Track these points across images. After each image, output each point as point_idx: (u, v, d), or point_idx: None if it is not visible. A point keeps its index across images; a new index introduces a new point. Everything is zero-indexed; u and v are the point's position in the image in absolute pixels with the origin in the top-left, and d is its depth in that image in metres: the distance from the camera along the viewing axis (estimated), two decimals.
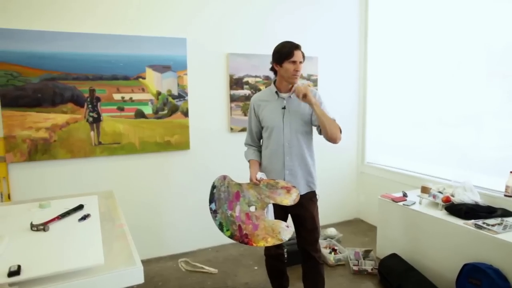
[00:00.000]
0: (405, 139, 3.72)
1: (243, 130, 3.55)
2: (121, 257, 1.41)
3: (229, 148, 3.52)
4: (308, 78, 3.82)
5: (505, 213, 2.66)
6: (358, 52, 4.11)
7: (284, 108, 2.27)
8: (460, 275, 2.39)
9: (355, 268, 3.00)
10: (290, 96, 2.28)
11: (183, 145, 3.31)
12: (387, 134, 3.96)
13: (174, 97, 3.24)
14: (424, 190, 2.99)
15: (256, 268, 3.12)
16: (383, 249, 3.12)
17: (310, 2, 3.75)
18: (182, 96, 3.27)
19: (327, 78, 3.94)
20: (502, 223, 2.47)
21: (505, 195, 2.77)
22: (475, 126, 3.08)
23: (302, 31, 3.73)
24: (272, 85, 2.36)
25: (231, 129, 3.51)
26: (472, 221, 2.53)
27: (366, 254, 3.14)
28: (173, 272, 3.05)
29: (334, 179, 4.11)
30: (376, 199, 3.22)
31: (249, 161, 2.51)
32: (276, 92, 2.30)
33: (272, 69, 2.33)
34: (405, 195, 3.11)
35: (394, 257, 2.87)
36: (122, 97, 3.09)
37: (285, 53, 2.18)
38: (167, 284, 2.86)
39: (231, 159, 3.53)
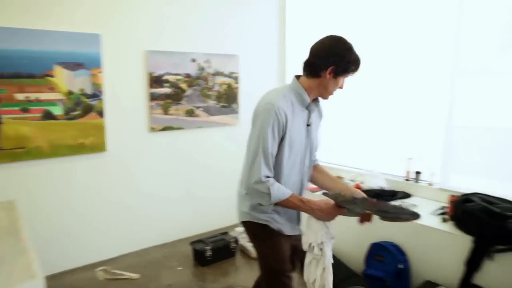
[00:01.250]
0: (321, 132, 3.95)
1: (164, 129, 3.48)
2: (19, 273, 1.30)
3: (150, 148, 3.43)
4: (230, 75, 3.88)
5: (405, 195, 2.97)
6: (277, 50, 4.27)
7: (309, 125, 1.74)
8: (368, 254, 2.61)
9: None
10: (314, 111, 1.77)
11: (99, 147, 3.15)
12: None
13: (87, 96, 3.06)
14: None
15: (180, 268, 3.08)
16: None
17: (230, 1, 3.80)
18: (96, 95, 3.11)
19: (248, 76, 4.03)
20: (401, 204, 2.74)
21: (405, 180, 3.10)
22: (379, 120, 3.39)
23: (223, 29, 3.77)
24: (302, 89, 1.68)
25: (152, 128, 3.42)
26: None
27: (302, 255, 3.26)
28: (90, 282, 2.87)
29: None
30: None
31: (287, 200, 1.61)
32: (308, 103, 1.70)
33: (314, 67, 1.64)
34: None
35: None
36: (27, 97, 2.84)
37: (354, 67, 1.64)
38: None
39: (152, 160, 3.46)
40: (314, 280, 1.70)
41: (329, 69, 1.60)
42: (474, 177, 2.74)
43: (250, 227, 1.76)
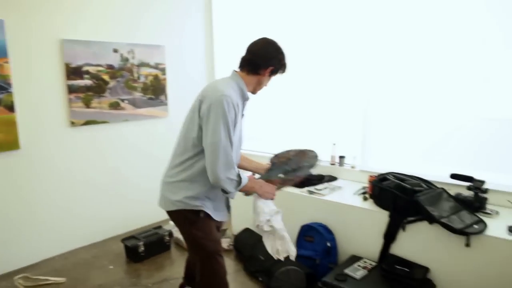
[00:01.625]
0: (253, 121, 4.03)
1: (86, 123, 3.27)
2: None
3: (71, 144, 3.20)
4: (156, 66, 3.75)
5: (331, 179, 3.17)
6: (204, 40, 4.22)
7: (243, 115, 1.91)
8: (299, 235, 2.76)
9: None
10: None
11: (11, 145, 2.84)
12: None
13: None
14: None
15: (111, 267, 2.95)
16: (237, 226, 3.34)
17: None
18: (4, 88, 2.80)
19: (176, 67, 3.94)
20: (328, 187, 2.94)
21: (330, 164, 3.31)
22: (304, 108, 3.56)
23: (147, 19, 3.62)
24: (244, 84, 1.83)
25: (72, 123, 3.19)
26: (306, 188, 2.93)
27: (223, 233, 3.31)
28: None
29: None
30: None
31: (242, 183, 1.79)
32: (247, 97, 1.87)
33: (255, 64, 1.82)
34: (254, 173, 3.38)
35: (246, 231, 3.10)
36: None
37: (283, 65, 1.88)
38: None
39: (74, 156, 3.23)
40: (277, 250, 1.95)
41: (269, 69, 1.84)
42: (390, 159, 3.02)
43: (184, 214, 1.81)
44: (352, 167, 3.20)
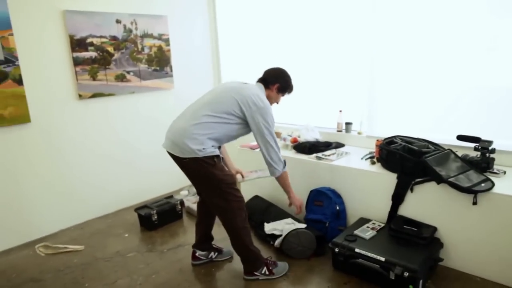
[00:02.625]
0: None
1: (93, 96, 3.28)
2: None
3: (79, 116, 3.23)
4: (160, 37, 3.72)
5: (338, 145, 3.21)
6: (207, 9, 4.15)
7: None
8: (308, 200, 2.82)
9: None
10: None
11: (22, 118, 2.88)
12: None
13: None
14: (276, 135, 3.33)
15: (127, 235, 3.05)
16: (246, 194, 3.40)
17: None
18: (11, 61, 2.80)
19: (179, 38, 3.90)
20: (335, 153, 2.98)
21: (337, 131, 3.33)
22: (311, 77, 3.55)
23: None
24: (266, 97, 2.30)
25: (80, 96, 3.20)
26: (314, 154, 2.97)
27: None
28: (30, 260, 2.73)
29: None
30: (236, 150, 3.45)
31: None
32: None
33: (266, 81, 2.36)
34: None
35: (256, 198, 3.17)
36: None
37: (291, 87, 2.44)
38: (24, 273, 2.55)
39: (83, 128, 3.27)
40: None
41: (275, 85, 2.36)
42: (396, 124, 3.04)
43: (203, 160, 2.11)
44: (359, 133, 3.23)
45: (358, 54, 3.15)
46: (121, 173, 3.57)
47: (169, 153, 2.21)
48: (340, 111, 3.30)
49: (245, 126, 2.23)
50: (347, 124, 3.28)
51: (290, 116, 3.76)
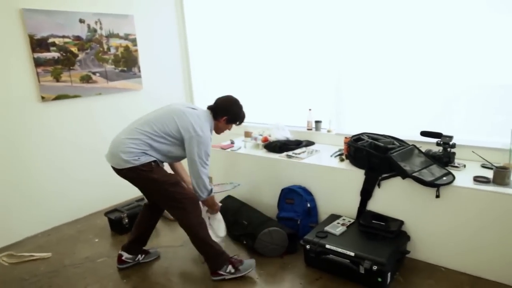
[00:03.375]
0: (227, 88, 4.02)
1: (57, 98, 3.17)
2: None
3: (43, 119, 3.11)
4: (126, 37, 3.63)
5: (308, 143, 3.26)
6: (174, 8, 4.10)
7: None
8: (279, 199, 2.85)
9: None
10: None
11: None
12: (212, 87, 4.17)
13: None
14: (247, 134, 3.36)
15: (97, 240, 2.97)
16: (219, 194, 3.39)
17: None
18: None
19: (147, 37, 3.82)
20: (306, 151, 3.02)
21: (307, 129, 3.38)
22: (281, 76, 3.57)
23: None
24: (212, 124, 2.40)
25: (43, 98, 3.08)
26: (285, 153, 3.00)
27: None
28: None
29: None
30: None
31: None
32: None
33: (215, 112, 2.39)
34: (232, 142, 3.42)
35: (228, 198, 3.16)
36: None
37: (241, 118, 2.48)
38: None
39: (46, 131, 3.15)
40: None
41: (223, 118, 2.40)
42: (363, 121, 3.12)
43: (139, 168, 2.16)
44: (328, 131, 3.28)
45: (326, 53, 3.20)
46: (90, 176, 3.47)
47: (111, 166, 2.26)
48: (310, 109, 3.34)
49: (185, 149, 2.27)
50: (317, 122, 3.33)
51: (261, 116, 3.77)
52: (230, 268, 2.32)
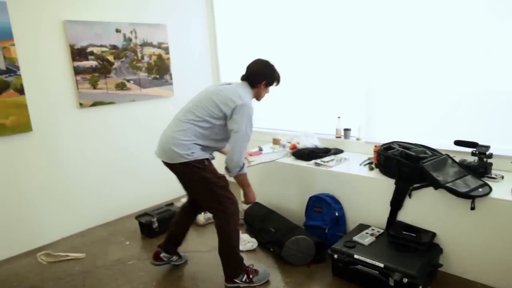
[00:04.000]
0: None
1: (94, 104, 3.32)
2: None
3: (80, 125, 3.26)
4: (159, 46, 3.75)
5: (337, 151, 3.22)
6: (206, 18, 4.20)
7: None
8: (307, 207, 2.83)
9: None
10: None
11: (23, 127, 2.91)
12: None
13: (1, 72, 2.78)
14: (275, 142, 3.37)
15: (127, 243, 3.06)
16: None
17: None
18: (12, 70, 2.83)
19: (179, 46, 3.94)
20: (334, 159, 2.99)
21: (336, 137, 3.35)
22: (310, 84, 3.57)
23: None
24: (252, 95, 2.35)
25: (81, 104, 3.23)
26: (313, 161, 2.99)
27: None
28: (31, 268, 2.74)
29: None
30: None
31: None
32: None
33: (252, 80, 2.32)
34: (260, 149, 3.44)
35: (256, 205, 3.17)
36: None
37: (277, 79, 2.40)
38: (25, 282, 2.57)
39: (84, 136, 3.30)
40: None
41: (262, 83, 2.34)
42: (394, 130, 3.05)
43: (192, 164, 2.18)
44: (358, 139, 3.24)
45: (355, 59, 3.18)
46: (121, 180, 3.60)
47: (162, 160, 2.28)
48: (339, 117, 3.31)
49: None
50: (346, 130, 3.29)
51: (289, 123, 3.78)
52: (245, 277, 2.34)
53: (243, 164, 2.26)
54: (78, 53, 3.18)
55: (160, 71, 3.81)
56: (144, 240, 3.10)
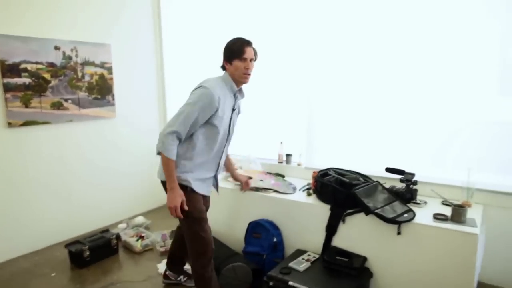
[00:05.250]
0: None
1: (25, 124, 3.11)
2: None
3: (9, 145, 3.03)
4: (102, 65, 3.65)
5: (279, 176, 3.26)
6: (153, 39, 4.17)
7: (234, 109, 2.25)
8: (247, 233, 2.81)
9: (162, 249, 3.11)
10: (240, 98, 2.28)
11: None
12: None
13: None
14: None
15: (53, 274, 2.83)
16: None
17: None
18: None
19: (123, 66, 3.86)
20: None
21: (278, 162, 3.40)
22: (253, 109, 3.64)
23: (91, 16, 3.52)
24: (232, 82, 2.16)
25: (9, 123, 3.02)
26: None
27: (173, 234, 3.29)
28: None
29: (140, 169, 4.06)
30: None
31: (170, 159, 1.99)
32: (235, 91, 2.20)
33: (222, 67, 2.19)
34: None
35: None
36: None
37: (235, 50, 2.11)
38: None
39: (13, 159, 3.06)
40: None
41: (225, 62, 2.16)
42: (332, 156, 3.17)
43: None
44: (298, 164, 3.31)
45: (298, 87, 3.30)
46: (53, 205, 3.36)
47: None
48: (281, 142, 3.38)
49: (204, 126, 2.07)
50: (288, 155, 3.36)
51: (232, 148, 3.77)
52: None
53: (169, 145, 1.96)
54: (9, 69, 2.99)
55: (102, 91, 3.69)
56: (73, 271, 2.88)
